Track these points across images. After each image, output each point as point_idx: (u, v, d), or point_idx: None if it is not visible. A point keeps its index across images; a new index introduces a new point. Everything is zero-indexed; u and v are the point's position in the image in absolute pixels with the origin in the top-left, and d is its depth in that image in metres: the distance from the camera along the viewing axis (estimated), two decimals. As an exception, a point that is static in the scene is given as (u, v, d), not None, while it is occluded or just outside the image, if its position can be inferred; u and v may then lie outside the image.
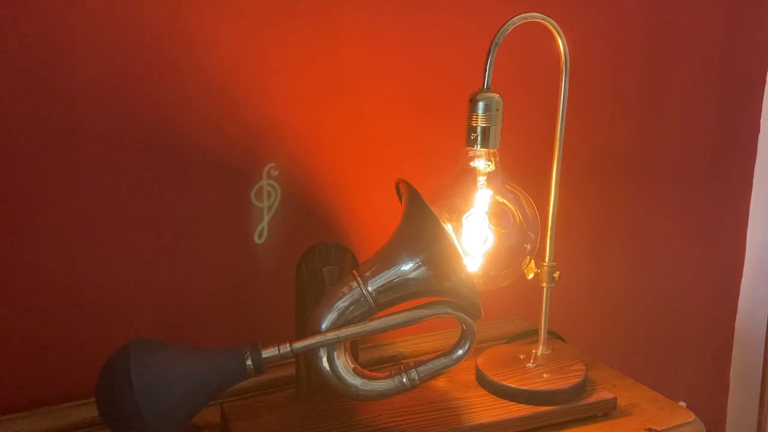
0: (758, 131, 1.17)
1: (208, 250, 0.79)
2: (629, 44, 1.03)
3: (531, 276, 0.79)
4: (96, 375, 0.61)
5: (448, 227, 0.71)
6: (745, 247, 1.23)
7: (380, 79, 0.85)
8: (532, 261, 0.78)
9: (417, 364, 0.69)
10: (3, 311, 0.71)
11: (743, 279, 1.25)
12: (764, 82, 1.16)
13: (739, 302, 1.26)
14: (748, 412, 1.27)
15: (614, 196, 1.08)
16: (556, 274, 0.79)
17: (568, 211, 0.98)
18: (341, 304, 0.66)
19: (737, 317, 1.27)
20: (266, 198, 0.60)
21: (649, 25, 1.04)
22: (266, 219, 0.60)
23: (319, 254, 0.72)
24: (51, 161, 0.71)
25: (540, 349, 0.81)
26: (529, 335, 0.93)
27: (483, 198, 0.71)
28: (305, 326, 0.72)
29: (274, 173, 0.62)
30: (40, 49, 0.68)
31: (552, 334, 0.93)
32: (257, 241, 0.61)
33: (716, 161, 1.16)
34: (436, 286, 0.66)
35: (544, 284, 0.79)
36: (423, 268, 0.65)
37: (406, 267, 0.66)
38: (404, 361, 0.87)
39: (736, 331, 1.28)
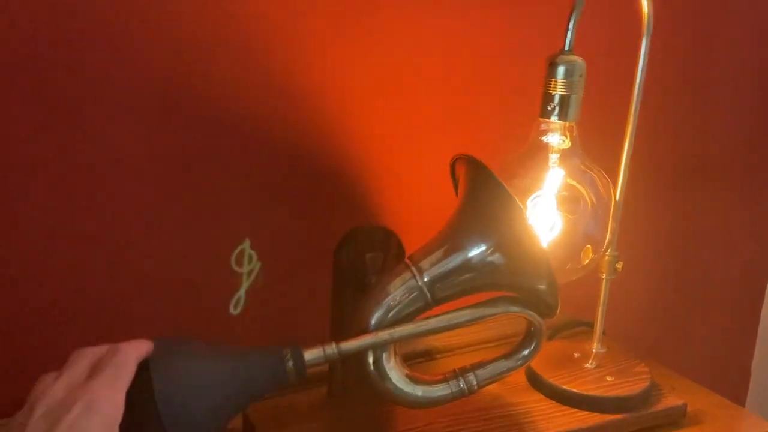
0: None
1: (228, 228, 0.69)
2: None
3: (586, 263, 0.70)
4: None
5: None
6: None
7: (431, 40, 0.74)
8: (589, 247, 0.69)
9: (474, 367, 0.60)
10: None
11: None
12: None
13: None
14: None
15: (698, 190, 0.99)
16: (619, 265, 0.71)
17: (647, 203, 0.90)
18: (393, 299, 0.57)
19: (762, 308, 1.21)
20: (247, 262, 0.52)
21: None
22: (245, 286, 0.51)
23: (361, 238, 0.62)
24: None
25: (596, 347, 0.73)
26: (570, 327, 0.85)
27: (554, 178, 0.62)
28: (343, 323, 0.63)
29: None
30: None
31: (584, 324, 0.85)
32: (232, 311, 0.52)
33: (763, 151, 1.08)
34: (506, 279, 0.57)
35: (603, 275, 0.71)
36: (495, 256, 0.56)
37: (474, 253, 0.56)
38: (458, 366, 0.78)
39: (760, 323, 1.22)
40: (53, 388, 0.41)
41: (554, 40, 0.60)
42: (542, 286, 0.56)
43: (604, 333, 0.86)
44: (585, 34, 0.62)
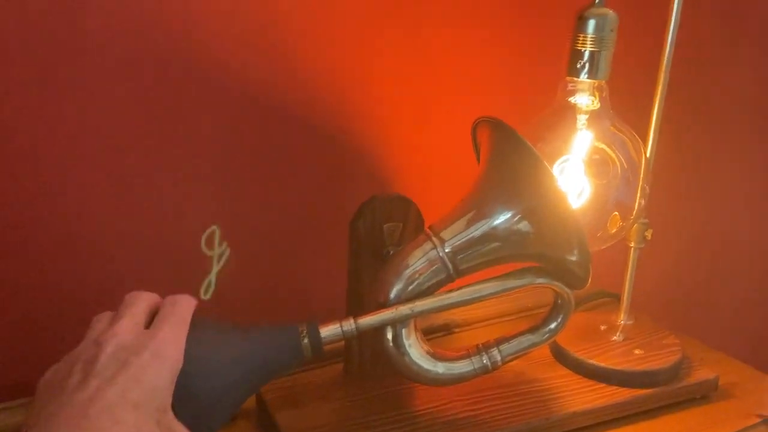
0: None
1: (249, 200, 0.66)
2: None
3: (614, 231, 0.67)
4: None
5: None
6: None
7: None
8: (616, 215, 0.66)
9: (498, 342, 0.57)
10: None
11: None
12: None
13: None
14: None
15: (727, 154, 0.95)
16: (648, 233, 0.67)
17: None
18: (413, 271, 0.54)
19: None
20: (217, 245, 0.49)
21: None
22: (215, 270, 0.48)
23: (378, 208, 0.59)
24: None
25: (623, 318, 0.70)
26: (594, 299, 0.82)
27: (582, 141, 0.58)
28: (361, 296, 0.60)
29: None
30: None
31: (611, 295, 0.82)
32: (203, 296, 0.49)
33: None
34: (533, 249, 0.54)
35: (632, 244, 0.68)
36: (522, 223, 0.52)
37: (499, 221, 0.52)
38: (482, 342, 0.75)
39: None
40: (120, 328, 0.41)
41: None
42: (573, 257, 0.53)
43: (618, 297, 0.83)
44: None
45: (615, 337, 0.67)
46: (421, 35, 0.69)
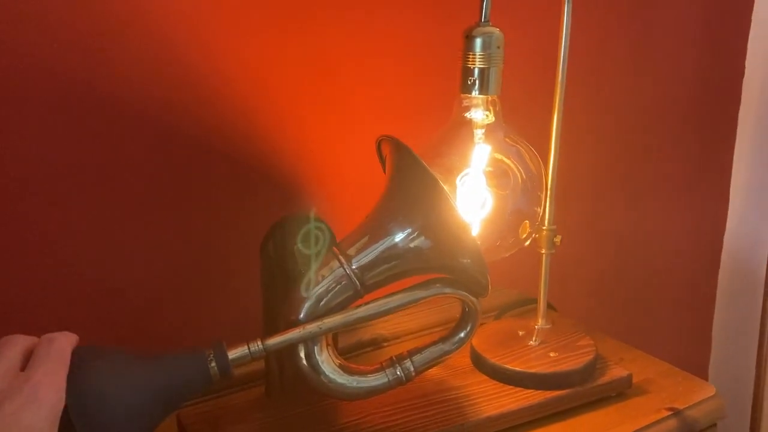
0: (742, 74, 1.10)
1: (152, 227, 0.66)
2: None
3: (528, 242, 0.69)
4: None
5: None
6: (728, 200, 1.17)
7: (351, 19, 0.72)
8: (526, 221, 0.68)
9: (411, 353, 0.58)
10: None
11: (726, 234, 1.19)
12: (749, 23, 1.09)
13: (722, 257, 1.21)
14: (729, 367, 1.23)
15: (606, 150, 0.99)
16: (557, 239, 0.69)
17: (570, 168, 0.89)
18: (321, 289, 0.55)
19: (719, 273, 1.22)
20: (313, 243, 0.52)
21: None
22: None
23: (288, 229, 0.60)
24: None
25: (540, 323, 0.72)
26: (519, 306, 0.84)
27: (481, 154, 0.60)
28: (276, 317, 0.61)
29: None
30: None
31: (533, 302, 0.84)
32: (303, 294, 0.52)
33: (700, 106, 1.08)
34: (435, 261, 0.56)
35: (543, 251, 0.70)
36: (420, 239, 0.54)
37: (399, 239, 0.54)
38: (395, 354, 0.76)
39: (718, 289, 1.23)
40: None
41: (472, 12, 0.58)
42: (471, 266, 0.55)
43: (555, 310, 0.86)
44: (503, 3, 0.61)
45: (531, 342, 0.69)
46: (329, 63, 0.71)
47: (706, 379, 1.24)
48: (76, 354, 0.48)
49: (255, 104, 0.68)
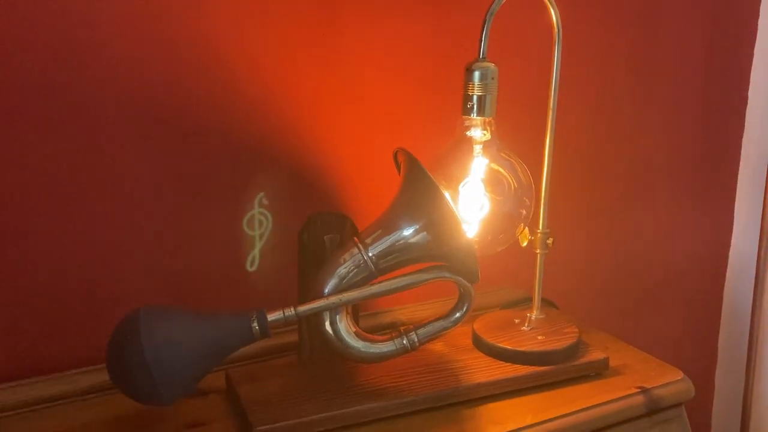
0: (745, 105, 1.19)
1: (214, 221, 0.81)
2: (620, 13, 1.04)
3: (525, 243, 0.81)
4: (105, 342, 0.63)
5: (446, 195, 0.73)
6: (732, 221, 1.26)
7: (379, 54, 0.86)
8: (526, 228, 0.80)
9: (416, 327, 0.71)
10: (19, 281, 0.73)
11: (731, 249, 1.28)
12: (749, 70, 1.18)
13: (727, 272, 1.29)
14: (735, 377, 1.31)
15: (608, 166, 1.10)
16: (550, 241, 0.81)
17: (565, 179, 1.01)
18: (343, 270, 0.68)
19: (725, 286, 1.30)
20: (257, 226, 0.63)
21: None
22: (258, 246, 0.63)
23: (320, 222, 0.74)
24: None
25: (534, 314, 0.84)
26: (524, 302, 0.96)
27: (479, 166, 0.73)
28: (308, 292, 0.75)
29: (266, 202, 0.66)
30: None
31: (545, 302, 0.95)
32: (249, 269, 0.64)
33: (706, 139, 1.18)
34: (435, 251, 0.68)
35: (537, 251, 0.82)
36: (423, 234, 0.67)
37: (406, 233, 0.68)
38: (404, 325, 0.89)
39: (724, 300, 1.31)
40: None
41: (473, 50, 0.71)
42: (465, 257, 0.67)
43: (556, 307, 0.97)
44: (503, 40, 0.74)
45: (524, 328, 0.81)
46: (360, 83, 0.85)
47: (713, 386, 1.32)
48: (149, 311, 0.63)
49: (305, 130, 0.83)
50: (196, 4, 0.75)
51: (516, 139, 0.80)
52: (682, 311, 1.26)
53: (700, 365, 1.32)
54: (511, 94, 0.76)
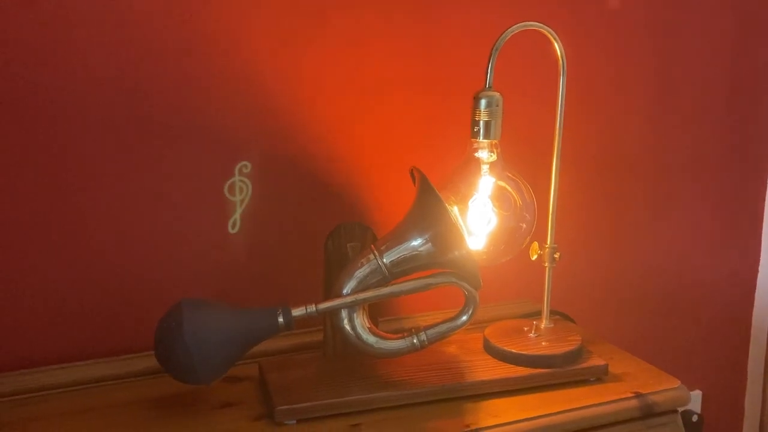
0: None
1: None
2: (633, 41, 1.10)
3: (535, 257, 0.88)
4: (153, 329, 0.74)
5: (455, 210, 0.81)
6: (760, 240, 1.29)
7: (398, 81, 0.96)
8: (536, 243, 0.87)
9: (426, 328, 0.79)
10: (83, 276, 0.85)
11: (759, 272, 1.30)
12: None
13: (756, 294, 1.31)
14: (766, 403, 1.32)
15: (626, 187, 1.15)
16: (557, 255, 0.88)
17: (587, 202, 1.07)
18: (360, 273, 0.77)
19: (755, 308, 1.32)
20: (238, 192, 0.74)
21: (652, 22, 1.11)
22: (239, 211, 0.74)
23: (344, 232, 0.83)
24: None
25: (543, 323, 0.90)
26: (535, 314, 1.02)
27: (486, 184, 0.81)
28: (330, 290, 0.84)
29: (246, 170, 0.76)
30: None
31: (561, 316, 1.02)
32: (231, 231, 0.76)
33: (730, 151, 1.21)
34: (442, 259, 0.77)
35: (546, 264, 0.89)
36: (430, 244, 0.76)
37: (416, 243, 0.76)
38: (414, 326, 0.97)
39: (753, 324, 1.32)
40: None
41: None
42: (466, 264, 0.75)
43: (573, 321, 1.03)
44: (511, 71, 0.82)
45: (531, 335, 0.88)
46: (381, 107, 0.95)
47: (743, 412, 1.33)
48: (189, 302, 0.73)
49: (333, 143, 0.93)
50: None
51: (527, 161, 0.88)
52: (707, 332, 1.29)
53: (729, 386, 1.34)
54: (522, 118, 0.84)
